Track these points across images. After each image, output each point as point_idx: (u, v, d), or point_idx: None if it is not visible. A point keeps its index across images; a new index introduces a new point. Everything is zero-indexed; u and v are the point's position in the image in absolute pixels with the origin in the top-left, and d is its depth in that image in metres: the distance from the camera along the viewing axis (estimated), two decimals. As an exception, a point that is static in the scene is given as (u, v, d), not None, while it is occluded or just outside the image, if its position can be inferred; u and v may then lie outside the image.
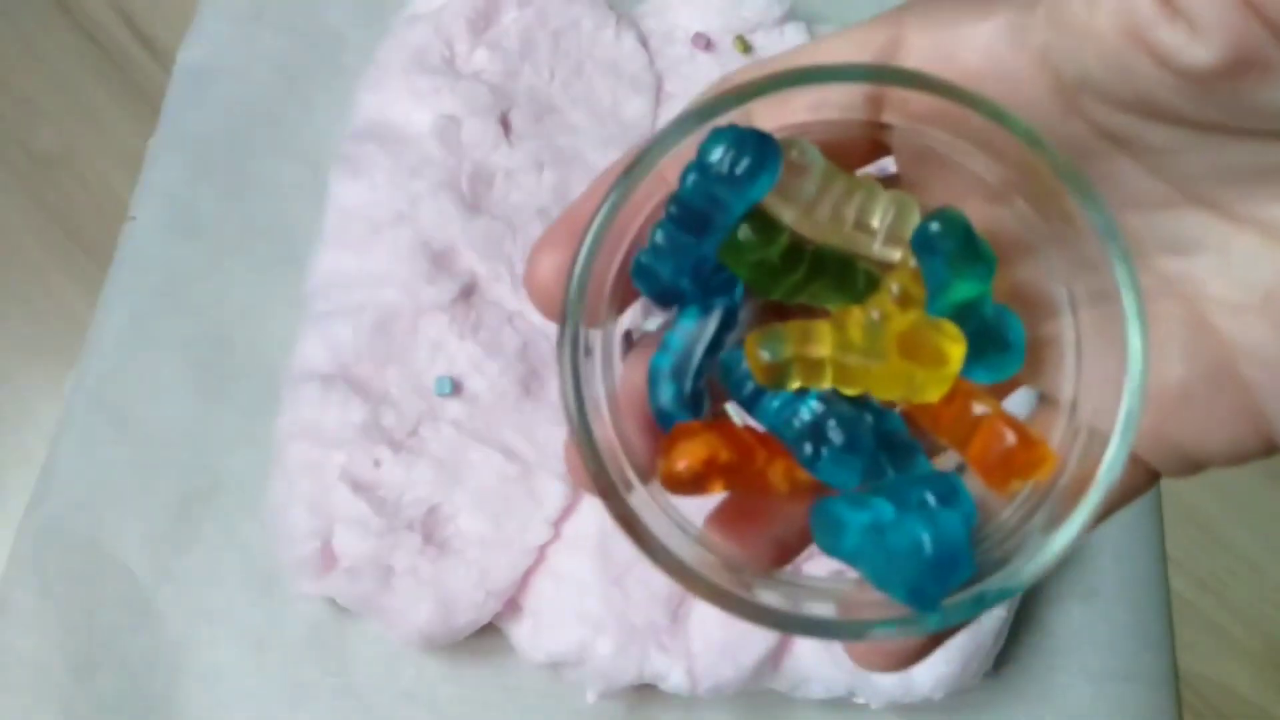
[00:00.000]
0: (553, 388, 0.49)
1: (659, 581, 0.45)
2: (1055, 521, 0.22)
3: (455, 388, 0.48)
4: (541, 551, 0.46)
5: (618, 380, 0.25)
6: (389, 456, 0.46)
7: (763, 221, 0.24)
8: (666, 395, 0.24)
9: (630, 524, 0.23)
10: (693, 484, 0.23)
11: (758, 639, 0.44)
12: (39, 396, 0.52)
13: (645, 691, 0.45)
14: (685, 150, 0.23)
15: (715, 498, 0.25)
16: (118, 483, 0.48)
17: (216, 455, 0.50)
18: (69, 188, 0.57)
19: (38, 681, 0.45)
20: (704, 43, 0.58)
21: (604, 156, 0.54)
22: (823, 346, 0.23)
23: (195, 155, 0.56)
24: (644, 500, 0.24)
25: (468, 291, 0.50)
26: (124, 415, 0.50)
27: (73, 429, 0.49)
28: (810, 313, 0.25)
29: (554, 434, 0.48)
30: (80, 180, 0.57)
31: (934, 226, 0.23)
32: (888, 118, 0.24)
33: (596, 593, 0.45)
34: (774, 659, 0.44)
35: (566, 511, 0.46)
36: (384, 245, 0.50)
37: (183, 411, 0.50)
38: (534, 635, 0.45)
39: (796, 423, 0.23)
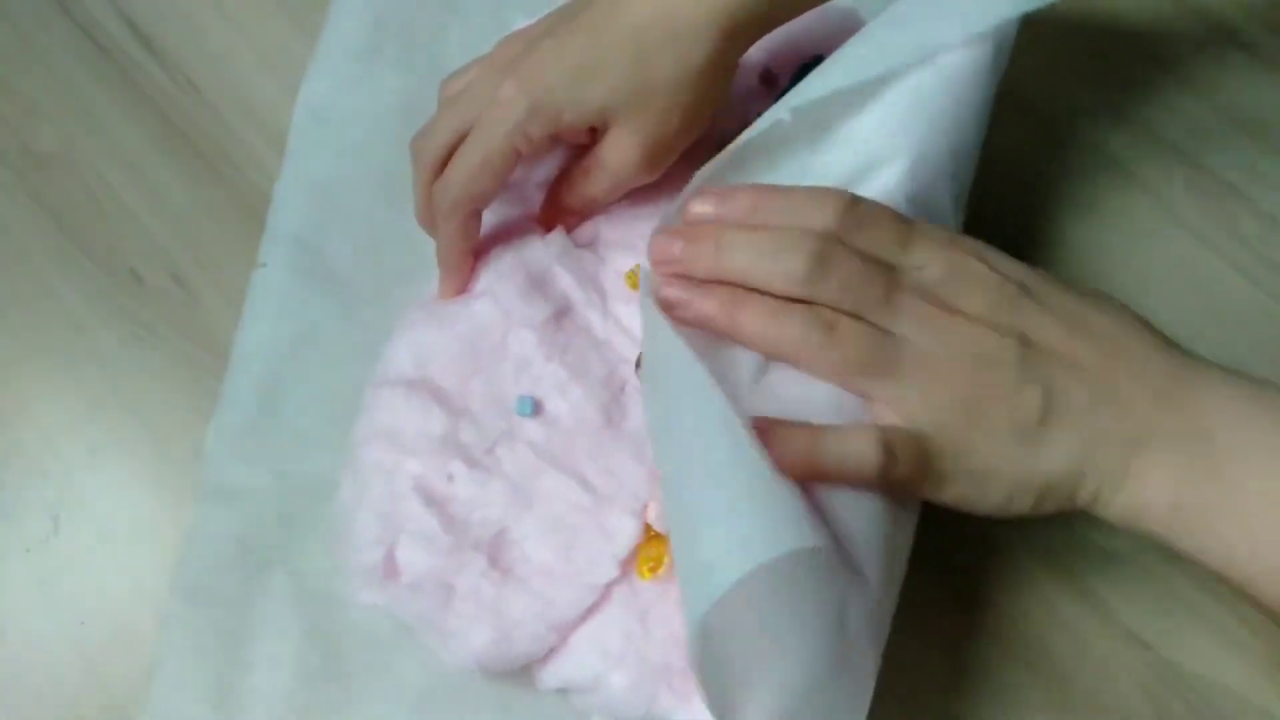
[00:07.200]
0: (635, 418, 0.48)
1: (681, 623, 0.43)
2: None
3: (536, 408, 0.47)
4: (608, 591, 0.44)
5: None
6: (463, 472, 0.45)
7: None
8: None
9: None
10: None
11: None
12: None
13: (650, 729, 0.44)
14: None
15: None
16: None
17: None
18: (68, 188, 0.58)
19: None
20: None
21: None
22: None
23: (320, 198, 0.55)
24: None
25: (560, 314, 0.49)
26: (268, 467, 0.49)
27: (212, 477, 0.48)
28: None
29: (632, 468, 0.46)
30: (80, 180, 0.58)
31: None
32: None
33: (618, 626, 0.43)
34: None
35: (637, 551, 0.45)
36: (483, 262, 0.50)
37: (326, 464, 0.48)
38: (549, 661, 0.44)
39: None
